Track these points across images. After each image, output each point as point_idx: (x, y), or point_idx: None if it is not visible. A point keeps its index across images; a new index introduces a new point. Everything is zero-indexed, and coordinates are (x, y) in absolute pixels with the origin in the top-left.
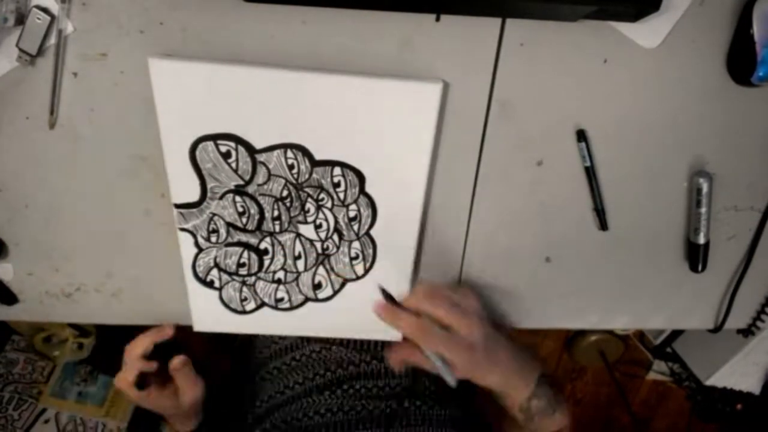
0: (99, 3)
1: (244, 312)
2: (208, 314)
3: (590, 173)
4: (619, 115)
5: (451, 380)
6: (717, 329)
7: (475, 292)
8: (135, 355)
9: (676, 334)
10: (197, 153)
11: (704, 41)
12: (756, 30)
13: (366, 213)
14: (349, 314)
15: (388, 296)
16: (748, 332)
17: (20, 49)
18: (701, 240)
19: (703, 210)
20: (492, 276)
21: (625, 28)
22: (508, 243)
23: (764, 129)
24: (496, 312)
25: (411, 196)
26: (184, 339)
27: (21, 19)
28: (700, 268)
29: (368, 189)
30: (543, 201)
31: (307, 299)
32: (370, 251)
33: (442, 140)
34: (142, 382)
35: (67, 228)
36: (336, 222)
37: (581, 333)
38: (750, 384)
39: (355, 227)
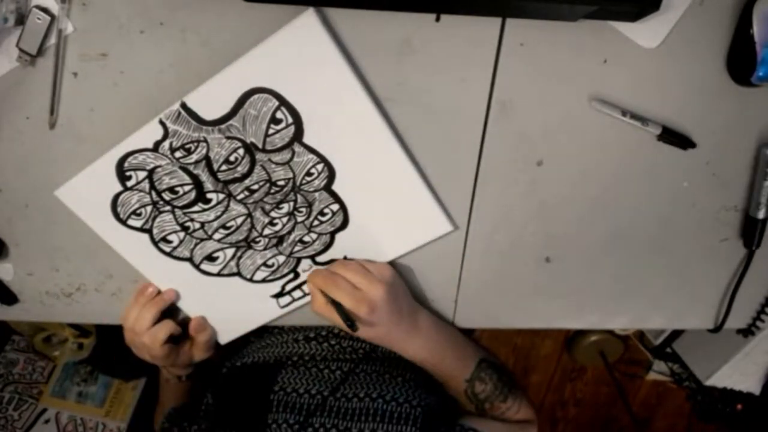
0: (99, 3)
1: (122, 222)
2: (91, 199)
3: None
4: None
5: (348, 327)
6: (717, 329)
7: (392, 269)
8: (150, 320)
9: (676, 334)
10: (254, 97)
11: (704, 41)
12: (756, 30)
13: (317, 248)
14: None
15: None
16: (748, 332)
17: (20, 49)
18: (761, 215)
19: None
20: (492, 276)
21: (625, 28)
22: (508, 243)
23: (764, 129)
24: (426, 295)
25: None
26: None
27: (21, 19)
28: (754, 245)
29: (338, 235)
30: (543, 201)
31: (189, 259)
32: (286, 272)
33: (442, 140)
34: (173, 339)
35: (67, 228)
36: (288, 233)
37: (581, 333)
38: (750, 384)
39: (296, 248)
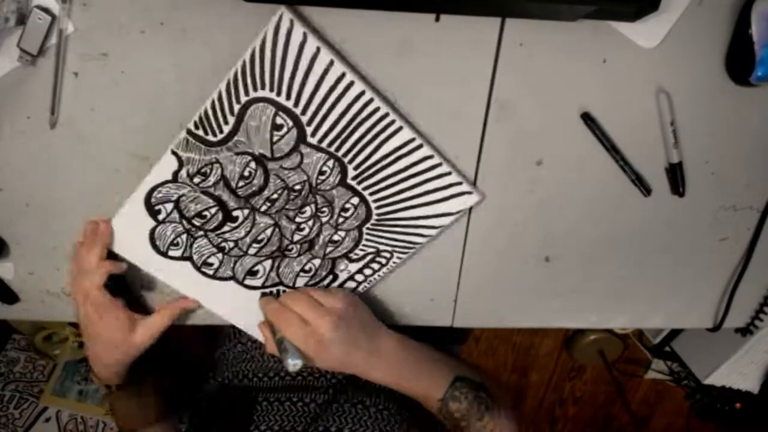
0: (100, 3)
1: (164, 254)
2: (129, 238)
3: (612, 150)
4: (618, 115)
5: (289, 365)
6: (716, 328)
7: (348, 295)
8: (96, 256)
9: (674, 333)
10: (251, 109)
11: (703, 41)
12: (755, 30)
13: (348, 245)
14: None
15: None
16: (746, 331)
17: (21, 49)
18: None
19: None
20: (491, 275)
21: (624, 27)
22: (507, 242)
23: (762, 129)
24: (389, 315)
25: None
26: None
27: (22, 19)
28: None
29: (365, 228)
30: (543, 200)
31: (233, 278)
32: (324, 275)
33: (442, 140)
34: (112, 289)
35: (68, 227)
36: (317, 235)
37: (580, 332)
38: (749, 383)
39: (328, 249)
